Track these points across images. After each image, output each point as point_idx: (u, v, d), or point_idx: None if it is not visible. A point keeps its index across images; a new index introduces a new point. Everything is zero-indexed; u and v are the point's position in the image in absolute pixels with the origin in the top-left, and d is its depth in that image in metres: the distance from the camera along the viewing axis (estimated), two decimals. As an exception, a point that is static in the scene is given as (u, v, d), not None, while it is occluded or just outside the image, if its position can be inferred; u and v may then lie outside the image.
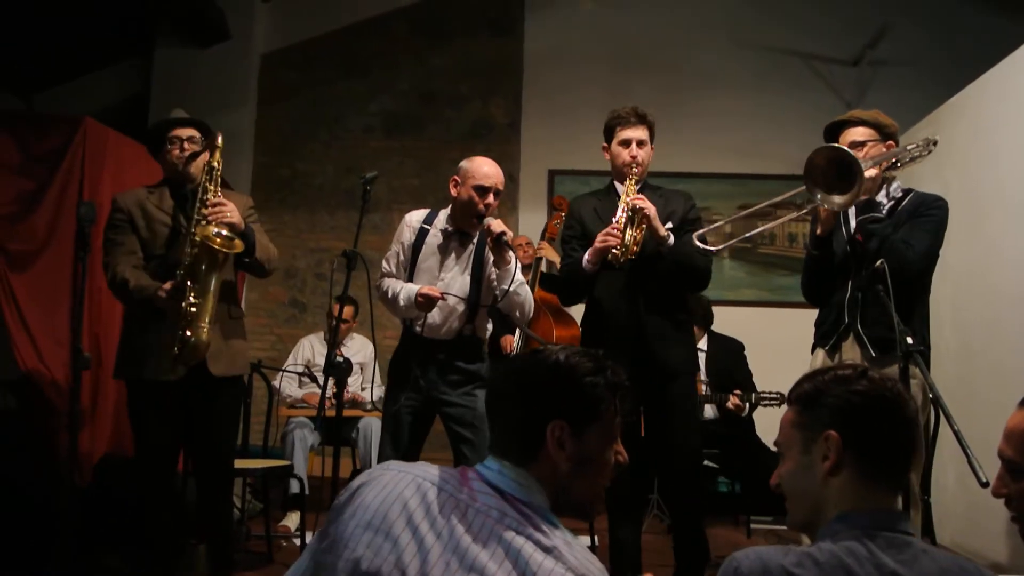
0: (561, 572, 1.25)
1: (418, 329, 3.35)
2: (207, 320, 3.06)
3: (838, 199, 2.89)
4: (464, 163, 3.39)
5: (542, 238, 5.52)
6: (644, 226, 3.24)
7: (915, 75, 6.42)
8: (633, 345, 3.27)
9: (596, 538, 4.28)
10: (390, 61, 6.90)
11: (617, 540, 3.37)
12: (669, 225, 3.32)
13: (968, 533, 4.39)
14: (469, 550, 1.28)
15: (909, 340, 2.43)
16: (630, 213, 3.24)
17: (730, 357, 5.32)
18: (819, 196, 2.92)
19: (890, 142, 3.12)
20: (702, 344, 5.26)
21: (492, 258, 3.31)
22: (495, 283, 3.32)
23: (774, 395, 4.95)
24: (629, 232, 3.22)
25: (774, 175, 6.36)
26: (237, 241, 3.09)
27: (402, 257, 3.44)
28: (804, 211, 3.17)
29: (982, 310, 4.45)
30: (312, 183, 6.84)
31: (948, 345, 4.79)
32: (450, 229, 3.41)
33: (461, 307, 3.35)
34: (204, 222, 3.09)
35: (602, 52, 6.78)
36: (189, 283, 3.05)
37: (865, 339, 3.00)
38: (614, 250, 3.20)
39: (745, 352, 5.37)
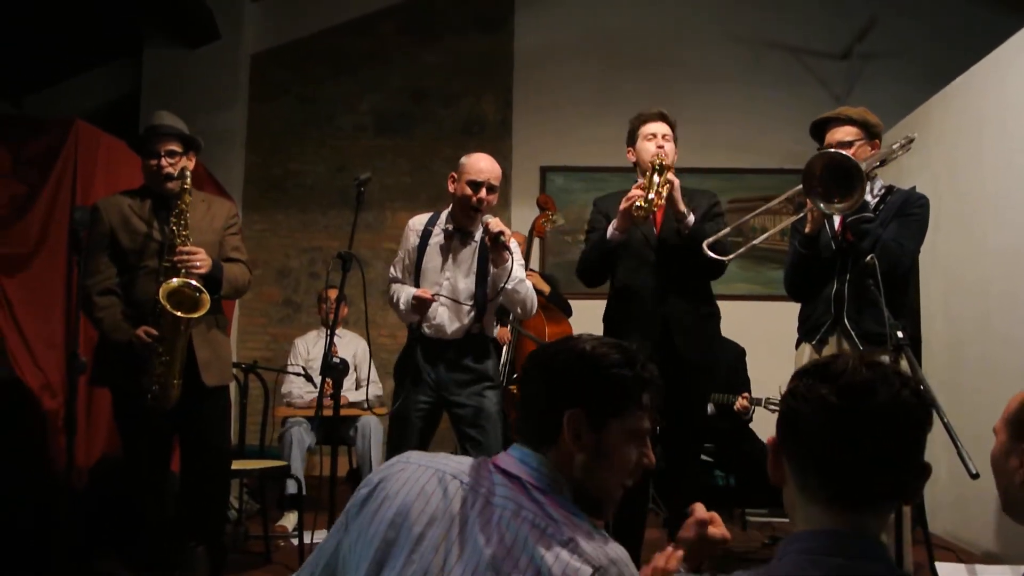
0: (576, 566, 1.23)
1: (427, 330, 3.38)
2: (176, 377, 3.10)
3: (839, 206, 2.89)
4: (463, 159, 3.44)
5: (530, 235, 5.53)
6: (668, 186, 3.22)
7: (904, 68, 6.44)
8: (655, 335, 3.27)
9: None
10: (380, 60, 6.90)
11: (620, 521, 3.38)
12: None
13: (960, 524, 4.43)
14: (485, 550, 1.29)
15: (899, 334, 2.46)
16: (657, 165, 3.24)
17: (730, 361, 5.35)
18: (821, 205, 2.91)
19: (876, 141, 3.15)
20: None
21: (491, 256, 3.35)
22: (496, 282, 3.36)
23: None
24: (654, 187, 3.20)
25: (766, 169, 6.39)
26: (203, 296, 3.10)
27: (407, 262, 3.49)
28: (800, 214, 3.17)
29: (972, 303, 4.48)
30: (304, 182, 6.84)
31: (939, 338, 4.82)
32: (451, 229, 3.44)
33: (468, 306, 3.38)
34: (171, 269, 3.10)
35: (592, 48, 6.79)
36: (159, 346, 3.07)
37: (852, 333, 3.03)
38: (638, 203, 3.16)
39: (746, 358, 5.40)
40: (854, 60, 6.61)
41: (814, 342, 3.13)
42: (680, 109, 6.45)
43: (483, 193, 3.34)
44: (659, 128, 3.40)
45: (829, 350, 3.09)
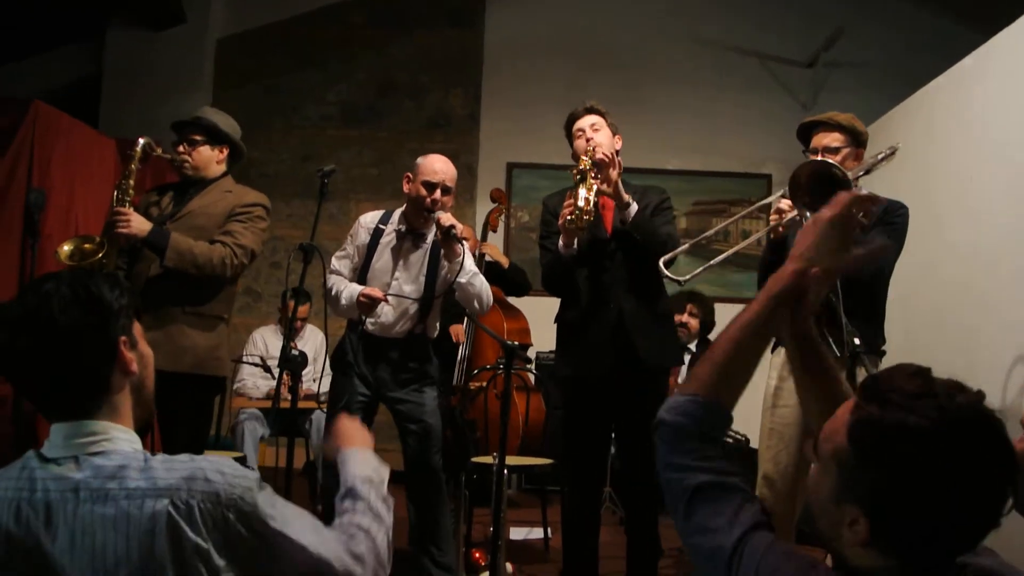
0: (149, 504, 1.23)
1: (370, 327, 3.38)
2: None
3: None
4: (419, 159, 3.44)
5: (484, 229, 5.53)
6: (595, 185, 3.11)
7: (868, 78, 6.51)
8: (612, 338, 3.24)
9: (549, 530, 4.31)
10: (348, 50, 6.84)
11: (575, 522, 3.38)
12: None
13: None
14: (66, 556, 1.22)
15: (856, 341, 2.48)
16: (578, 176, 3.13)
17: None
18: (808, 214, 2.86)
19: (860, 149, 3.12)
20: (692, 346, 5.28)
21: (443, 251, 3.33)
22: (448, 277, 3.34)
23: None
24: (582, 192, 3.10)
25: (729, 172, 6.44)
26: (96, 249, 3.07)
27: (356, 259, 3.47)
28: (768, 228, 3.13)
29: (927, 309, 4.55)
30: (268, 171, 6.75)
31: (896, 344, 4.88)
32: (404, 229, 3.44)
33: (415, 307, 3.39)
34: (109, 227, 3.14)
35: (562, 46, 6.79)
36: None
37: (829, 340, 3.02)
38: (568, 216, 3.07)
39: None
40: (819, 68, 6.69)
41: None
42: (646, 110, 6.57)
43: (437, 194, 3.34)
44: (585, 122, 3.34)
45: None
